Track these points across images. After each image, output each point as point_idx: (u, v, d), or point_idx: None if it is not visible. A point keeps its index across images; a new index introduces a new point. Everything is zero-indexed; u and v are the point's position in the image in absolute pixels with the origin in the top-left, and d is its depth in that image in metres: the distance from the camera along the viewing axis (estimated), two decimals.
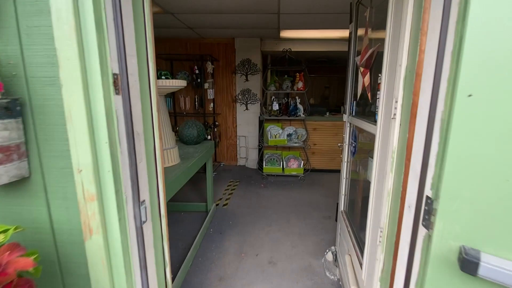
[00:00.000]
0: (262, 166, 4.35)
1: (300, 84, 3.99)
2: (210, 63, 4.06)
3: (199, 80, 4.23)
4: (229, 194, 3.64)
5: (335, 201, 3.52)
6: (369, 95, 1.44)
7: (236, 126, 4.94)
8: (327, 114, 4.79)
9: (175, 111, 4.89)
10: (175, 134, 2.74)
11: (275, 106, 4.09)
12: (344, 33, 4.01)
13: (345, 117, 2.06)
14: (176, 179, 1.71)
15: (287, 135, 4.20)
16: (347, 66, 2.02)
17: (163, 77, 4.22)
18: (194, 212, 3.09)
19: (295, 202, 3.45)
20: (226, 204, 3.34)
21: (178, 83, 1.84)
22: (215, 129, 4.85)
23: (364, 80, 1.47)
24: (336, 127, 4.51)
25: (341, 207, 2.17)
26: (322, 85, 8.22)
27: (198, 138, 2.58)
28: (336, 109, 5.53)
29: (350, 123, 1.98)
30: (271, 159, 4.40)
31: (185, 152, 2.36)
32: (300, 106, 4.20)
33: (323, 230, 2.75)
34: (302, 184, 4.10)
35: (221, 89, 4.85)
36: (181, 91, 4.81)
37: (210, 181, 2.88)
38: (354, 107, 1.82)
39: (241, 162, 5.07)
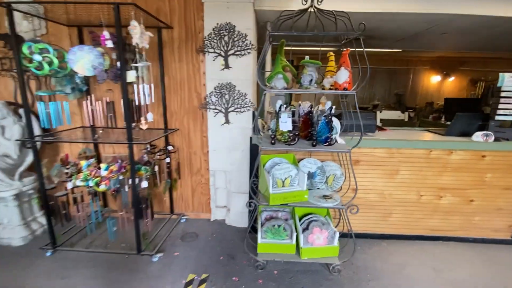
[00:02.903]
0: (256, 230, 2.16)
1: (343, 76, 1.72)
2: (137, 24, 1.77)
3: (118, 62, 1.93)
4: None
5: None
6: None
7: (207, 152, 2.70)
8: (375, 131, 2.60)
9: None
10: None
11: (286, 124, 1.85)
12: None
13: None
14: None
15: (307, 177, 1.99)
16: None
17: (37, 56, 1.92)
18: None
19: None
20: None
21: None
22: (169, 158, 2.59)
23: None
24: (396, 156, 2.33)
25: None
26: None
27: None
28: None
29: None
30: (273, 225, 2.19)
31: None
32: (336, 122, 1.98)
33: None
34: (342, 286, 1.93)
35: (177, 83, 2.57)
36: (92, 88, 2.51)
37: None
38: None
39: (218, 215, 2.85)
